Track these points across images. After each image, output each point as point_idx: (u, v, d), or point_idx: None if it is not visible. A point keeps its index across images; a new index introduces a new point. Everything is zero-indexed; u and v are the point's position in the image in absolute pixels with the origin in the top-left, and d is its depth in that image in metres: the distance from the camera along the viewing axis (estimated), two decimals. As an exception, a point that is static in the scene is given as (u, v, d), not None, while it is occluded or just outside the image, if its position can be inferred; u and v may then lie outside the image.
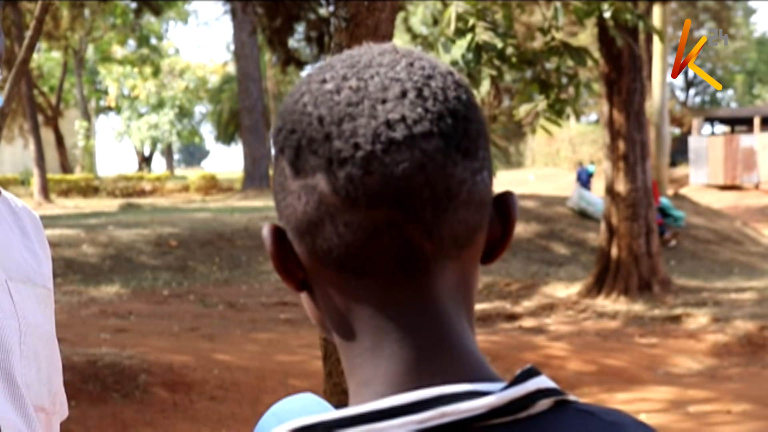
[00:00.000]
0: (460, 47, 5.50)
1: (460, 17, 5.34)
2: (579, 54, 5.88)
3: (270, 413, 1.08)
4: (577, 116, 7.03)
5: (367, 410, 0.69)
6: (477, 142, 0.72)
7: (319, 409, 1.08)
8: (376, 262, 0.71)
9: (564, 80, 6.15)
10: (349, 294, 0.73)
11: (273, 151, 0.76)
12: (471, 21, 5.32)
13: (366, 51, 0.75)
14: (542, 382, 0.71)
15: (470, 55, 5.35)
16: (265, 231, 0.76)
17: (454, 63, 5.73)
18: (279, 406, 1.09)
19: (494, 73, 5.64)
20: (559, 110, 6.27)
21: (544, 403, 0.70)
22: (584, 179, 23.59)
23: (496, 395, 0.69)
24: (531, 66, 5.98)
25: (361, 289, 0.72)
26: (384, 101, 0.70)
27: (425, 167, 0.69)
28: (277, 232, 0.75)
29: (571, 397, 0.72)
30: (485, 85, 8.14)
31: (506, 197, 0.76)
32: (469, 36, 5.31)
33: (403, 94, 0.71)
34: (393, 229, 0.69)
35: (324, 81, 0.73)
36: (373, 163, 0.69)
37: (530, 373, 0.71)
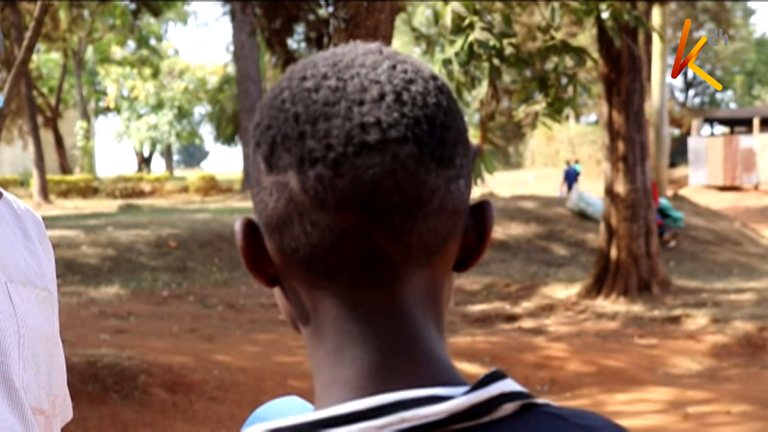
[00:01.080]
0: (456, 46, 5.50)
1: (456, 16, 5.34)
2: (578, 54, 5.88)
3: (254, 416, 1.08)
4: (577, 116, 7.04)
5: (326, 416, 0.68)
6: (454, 150, 0.71)
7: (301, 412, 1.08)
8: (342, 264, 0.70)
9: (564, 80, 6.15)
10: (315, 295, 0.72)
11: (251, 145, 0.75)
12: (468, 20, 5.32)
13: (350, 50, 0.74)
14: (507, 385, 0.70)
15: (463, 54, 5.35)
16: (237, 224, 0.75)
17: (449, 61, 5.72)
18: (263, 408, 1.09)
19: (490, 72, 5.64)
20: (559, 109, 6.28)
21: (508, 407, 0.69)
22: (572, 178, 23.75)
23: (456, 399, 0.67)
24: (529, 65, 5.98)
25: (326, 291, 0.72)
26: (361, 103, 0.69)
27: (396, 173, 0.68)
28: (250, 227, 0.75)
29: (540, 401, 0.71)
30: (483, 85, 8.14)
31: (483, 207, 0.75)
32: (464, 35, 5.32)
33: (381, 97, 0.70)
34: (360, 233, 0.69)
35: (304, 78, 0.72)
36: (344, 166, 0.68)
37: (494, 377, 0.70)
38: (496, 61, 5.55)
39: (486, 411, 0.68)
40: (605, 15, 5.99)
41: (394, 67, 0.72)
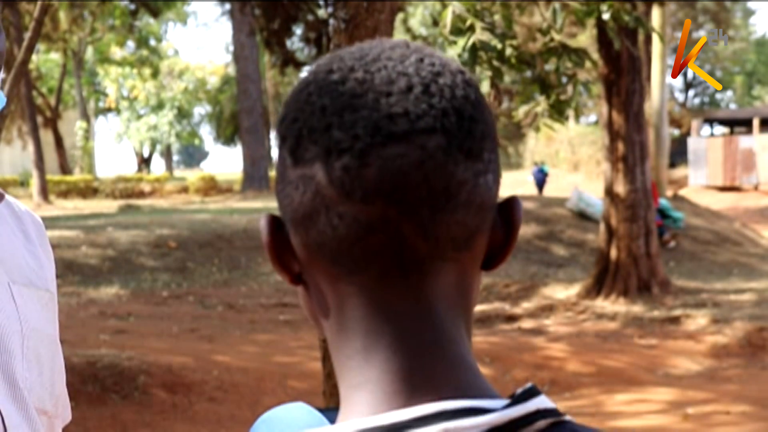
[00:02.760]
0: (458, 48, 5.50)
1: (457, 17, 5.34)
2: (578, 55, 5.88)
3: (260, 421, 1.08)
4: (577, 116, 7.04)
5: (369, 426, 0.67)
6: (482, 144, 0.71)
7: (309, 420, 1.07)
8: (369, 258, 0.69)
9: (564, 80, 6.15)
10: (342, 291, 0.71)
11: (277, 141, 0.74)
12: (469, 21, 5.31)
13: (377, 44, 0.74)
14: (542, 402, 0.69)
15: (466, 56, 5.35)
16: (263, 221, 0.74)
17: None
18: (269, 414, 1.08)
19: (490, 73, 5.63)
20: (560, 110, 6.27)
21: (541, 424, 0.68)
22: (539, 179, 23.97)
23: (497, 413, 0.67)
24: (530, 66, 5.98)
25: (353, 287, 0.70)
26: (389, 94, 0.69)
27: (424, 164, 0.67)
28: (275, 223, 0.74)
29: (567, 418, 0.71)
30: (484, 86, 8.13)
31: (511, 203, 0.74)
32: (466, 36, 5.31)
33: (409, 88, 0.69)
34: (387, 226, 0.68)
35: (331, 71, 0.72)
36: (371, 156, 0.67)
37: (531, 393, 0.69)
38: (497, 63, 5.54)
39: (522, 426, 0.68)
40: (606, 16, 5.98)
41: (421, 60, 0.72)
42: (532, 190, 25.46)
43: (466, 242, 0.70)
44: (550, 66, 6.13)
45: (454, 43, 5.45)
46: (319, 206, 0.69)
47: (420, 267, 0.69)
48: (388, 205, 0.67)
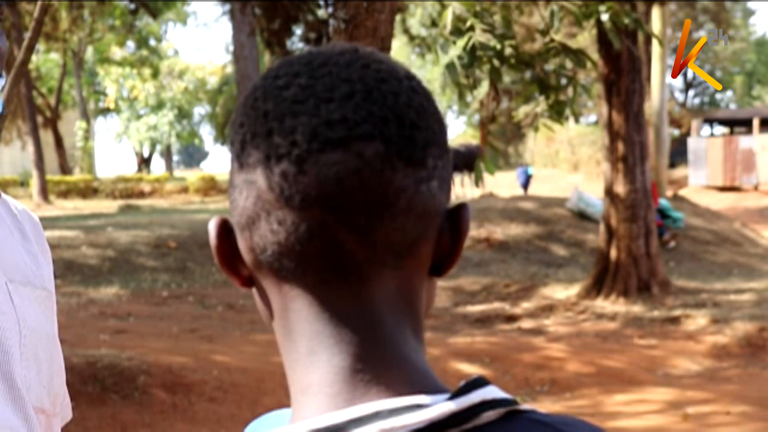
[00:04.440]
0: (458, 48, 5.50)
1: (457, 18, 5.34)
2: (577, 55, 5.89)
3: (249, 429, 1.08)
4: (576, 117, 7.04)
5: (306, 430, 0.67)
6: (425, 151, 0.70)
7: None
8: (309, 263, 0.69)
9: (563, 81, 6.15)
10: (286, 294, 0.72)
11: (227, 145, 0.75)
12: (469, 22, 5.32)
13: (327, 50, 0.74)
14: (489, 392, 0.69)
15: (466, 57, 5.35)
16: (212, 223, 0.75)
17: (451, 65, 5.73)
18: (256, 422, 1.09)
19: (490, 73, 5.64)
20: (559, 111, 6.28)
21: (489, 415, 0.67)
22: (522, 180, 24.21)
23: (435, 407, 0.66)
24: (529, 67, 5.98)
25: (296, 290, 0.71)
26: (329, 101, 0.69)
27: (361, 171, 0.67)
28: (224, 226, 0.74)
29: (525, 407, 0.70)
30: (484, 86, 8.14)
31: (459, 210, 0.74)
32: (466, 37, 5.32)
33: (350, 95, 0.69)
34: (325, 232, 0.68)
35: (277, 77, 0.72)
36: (308, 162, 0.67)
37: (476, 384, 0.69)
38: (496, 63, 5.55)
39: (467, 419, 0.67)
40: (604, 17, 5.98)
41: (367, 66, 0.72)
42: (531, 190, 25.48)
43: (407, 249, 0.70)
44: (549, 66, 6.14)
45: (454, 43, 5.46)
46: (260, 211, 0.70)
47: (359, 273, 0.70)
48: (325, 212, 0.68)
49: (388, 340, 0.71)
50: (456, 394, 0.68)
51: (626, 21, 6.12)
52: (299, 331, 0.72)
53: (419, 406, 0.67)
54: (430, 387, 0.70)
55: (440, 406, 0.66)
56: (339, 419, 0.67)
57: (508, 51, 5.62)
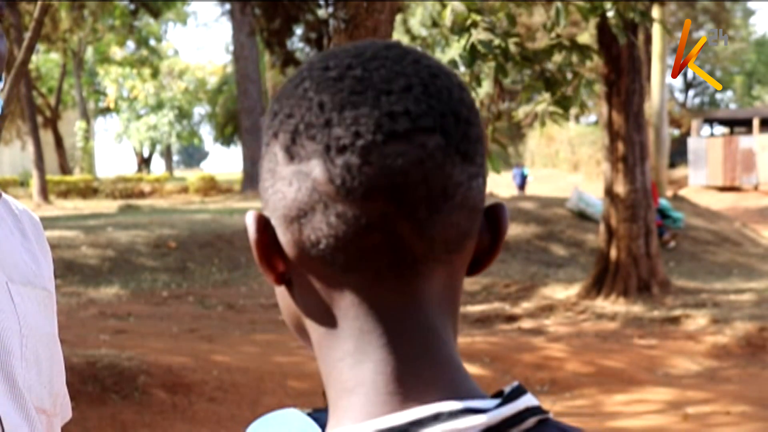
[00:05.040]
0: (458, 47, 5.50)
1: (458, 15, 5.34)
2: (582, 50, 5.89)
3: (251, 428, 1.08)
4: (582, 112, 7.03)
5: (369, 430, 0.67)
6: (476, 147, 0.71)
7: (303, 426, 1.08)
8: (365, 256, 0.68)
9: (569, 76, 6.14)
10: (334, 290, 0.71)
11: (266, 137, 0.73)
12: (470, 20, 5.32)
13: (371, 44, 0.73)
14: (529, 400, 0.70)
15: (467, 55, 5.35)
16: (250, 218, 0.73)
17: (452, 62, 5.73)
18: (260, 421, 1.08)
19: (495, 71, 5.64)
20: (565, 106, 6.26)
21: (530, 422, 0.69)
22: (518, 181, 24.33)
23: (491, 413, 0.67)
24: (535, 63, 5.96)
25: (346, 286, 0.70)
26: (389, 93, 0.68)
27: (424, 163, 0.67)
28: (264, 220, 0.73)
29: (550, 415, 0.71)
30: (485, 85, 8.13)
31: (498, 209, 0.74)
32: (466, 35, 5.31)
33: (408, 88, 0.69)
34: (385, 224, 0.67)
35: (327, 68, 0.71)
36: (373, 154, 0.67)
37: (519, 392, 0.70)
38: (501, 60, 5.54)
39: (514, 424, 0.68)
40: (610, 14, 5.96)
41: (417, 61, 0.72)
42: (531, 190, 25.49)
43: (457, 244, 0.71)
44: (554, 62, 6.13)
45: (458, 41, 5.45)
46: (316, 203, 0.69)
47: (414, 267, 0.69)
48: (387, 204, 0.67)
49: (437, 339, 0.71)
50: (506, 401, 0.69)
51: (633, 15, 6.11)
52: (346, 329, 0.71)
53: (476, 410, 0.67)
54: (474, 390, 0.71)
55: (496, 412, 0.68)
56: (401, 420, 0.67)
57: (512, 48, 5.62)
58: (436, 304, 0.71)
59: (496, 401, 0.69)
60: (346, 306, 0.70)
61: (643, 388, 7.96)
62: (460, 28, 5.32)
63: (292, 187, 0.70)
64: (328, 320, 0.72)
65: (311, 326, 0.73)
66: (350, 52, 0.72)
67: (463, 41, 5.40)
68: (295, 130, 0.70)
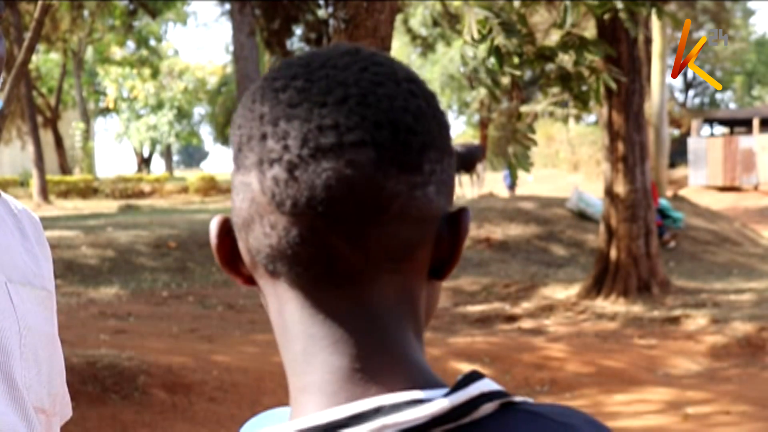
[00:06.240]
0: (482, 51, 5.49)
1: (480, 22, 5.32)
2: (596, 46, 5.89)
3: (246, 426, 1.08)
4: (600, 105, 6.99)
5: (304, 426, 0.67)
6: (422, 156, 0.69)
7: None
8: (302, 266, 0.69)
9: (586, 73, 6.16)
10: (282, 295, 0.72)
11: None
12: (489, 25, 5.31)
13: (328, 51, 0.73)
14: (485, 385, 0.69)
15: (493, 60, 5.34)
16: (213, 223, 0.75)
17: (475, 69, 5.74)
18: (253, 420, 1.09)
19: (517, 72, 5.64)
20: (584, 100, 6.28)
21: (488, 407, 0.68)
22: (509, 182, 24.39)
23: (436, 402, 0.66)
24: (549, 61, 5.95)
25: (291, 291, 0.71)
26: (323, 105, 0.68)
27: (351, 179, 0.66)
28: (226, 226, 0.74)
29: (518, 399, 0.70)
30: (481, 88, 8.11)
31: (458, 215, 0.73)
32: (489, 40, 5.30)
33: (344, 99, 0.68)
34: (316, 237, 0.68)
35: (275, 78, 0.72)
36: (299, 168, 0.67)
37: (472, 378, 0.69)
38: (516, 60, 5.55)
39: (467, 412, 0.67)
40: (620, 5, 5.96)
41: (365, 69, 0.71)
42: (531, 189, 25.49)
43: (403, 254, 0.70)
44: (568, 59, 6.13)
45: (476, 46, 5.44)
46: (254, 214, 0.70)
47: (352, 277, 0.69)
48: (315, 218, 0.67)
49: (388, 340, 0.70)
50: (455, 388, 0.68)
51: (642, 9, 6.12)
52: (295, 332, 0.72)
53: (420, 401, 0.67)
54: (430, 382, 0.69)
55: (441, 401, 0.66)
56: (340, 415, 0.67)
57: (527, 48, 5.63)
58: (387, 309, 0.71)
59: (446, 390, 0.68)
60: (292, 310, 0.71)
61: (643, 388, 7.96)
62: (481, 33, 5.32)
63: (239, 196, 0.71)
64: (281, 322, 0.73)
65: (273, 327, 0.75)
66: (303, 61, 0.72)
67: (484, 47, 5.39)
68: (240, 141, 0.71)
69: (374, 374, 0.69)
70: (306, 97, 0.69)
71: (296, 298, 0.71)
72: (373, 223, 0.68)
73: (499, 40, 5.27)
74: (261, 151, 0.69)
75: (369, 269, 0.69)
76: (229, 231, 0.74)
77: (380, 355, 0.70)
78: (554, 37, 6.06)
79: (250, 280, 0.75)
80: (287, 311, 0.72)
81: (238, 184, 0.71)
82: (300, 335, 0.71)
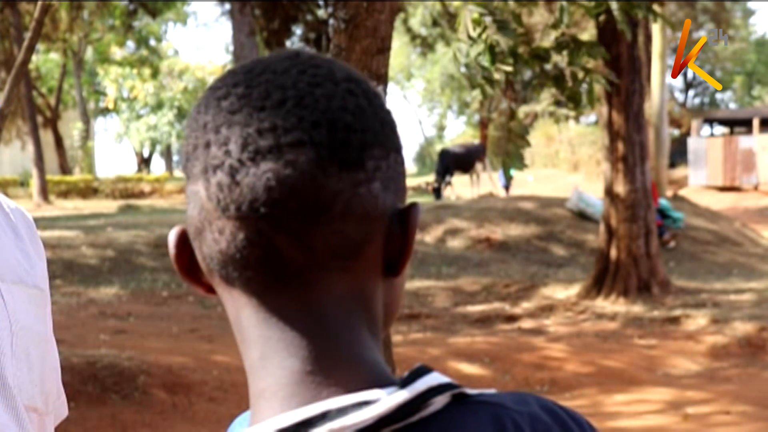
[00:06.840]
0: (476, 50, 5.49)
1: (475, 21, 5.33)
2: (590, 47, 5.90)
3: (237, 421, 1.08)
4: (593, 107, 6.99)
5: None
6: (363, 153, 0.70)
7: None
8: (251, 270, 0.70)
9: (580, 74, 6.15)
10: (236, 302, 0.72)
11: None
12: (483, 23, 5.32)
13: (271, 57, 0.74)
14: (433, 379, 0.69)
15: (486, 58, 5.35)
16: (171, 233, 0.75)
17: (469, 66, 5.73)
18: (237, 420, 1.09)
19: (509, 69, 5.64)
20: (576, 101, 6.28)
21: (439, 401, 0.68)
22: (503, 182, 24.43)
23: (382, 402, 0.66)
24: (543, 61, 5.96)
25: (245, 296, 0.72)
26: (262, 109, 0.69)
27: (291, 179, 0.68)
28: (184, 236, 0.75)
29: (470, 390, 0.70)
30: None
31: (407, 210, 0.74)
32: (484, 37, 5.31)
33: (282, 102, 0.69)
34: (262, 239, 0.68)
35: (217, 87, 0.73)
36: (240, 172, 0.68)
37: (419, 373, 0.69)
38: (511, 60, 5.55)
39: (415, 409, 0.67)
40: (614, 5, 5.96)
41: (303, 71, 0.72)
42: (531, 190, 25.49)
43: (351, 252, 0.70)
44: (562, 60, 6.13)
45: (472, 45, 5.45)
46: (204, 221, 0.71)
47: (301, 277, 0.70)
48: (259, 220, 0.68)
49: (339, 340, 0.71)
50: (401, 385, 0.68)
51: (638, 12, 6.12)
52: (252, 337, 0.72)
53: (367, 403, 0.66)
54: (382, 382, 0.69)
55: (387, 400, 0.66)
56: (288, 422, 0.67)
57: (521, 48, 5.63)
58: (337, 309, 0.71)
59: (393, 389, 0.68)
60: (248, 315, 0.72)
61: (643, 388, 7.96)
62: (478, 33, 5.33)
63: (190, 205, 0.72)
64: (239, 328, 0.74)
65: (234, 333, 0.75)
66: (245, 68, 0.74)
67: (478, 46, 5.40)
68: (188, 151, 0.72)
69: (326, 376, 0.69)
70: (246, 102, 0.70)
71: (250, 302, 0.72)
72: (317, 222, 0.69)
73: (493, 38, 5.27)
74: (205, 158, 0.70)
75: (316, 269, 0.70)
76: (186, 241, 0.75)
77: (331, 356, 0.70)
78: (552, 38, 6.05)
79: (211, 289, 0.75)
80: (243, 316, 0.72)
81: (189, 194, 0.72)
82: (257, 340, 0.72)
